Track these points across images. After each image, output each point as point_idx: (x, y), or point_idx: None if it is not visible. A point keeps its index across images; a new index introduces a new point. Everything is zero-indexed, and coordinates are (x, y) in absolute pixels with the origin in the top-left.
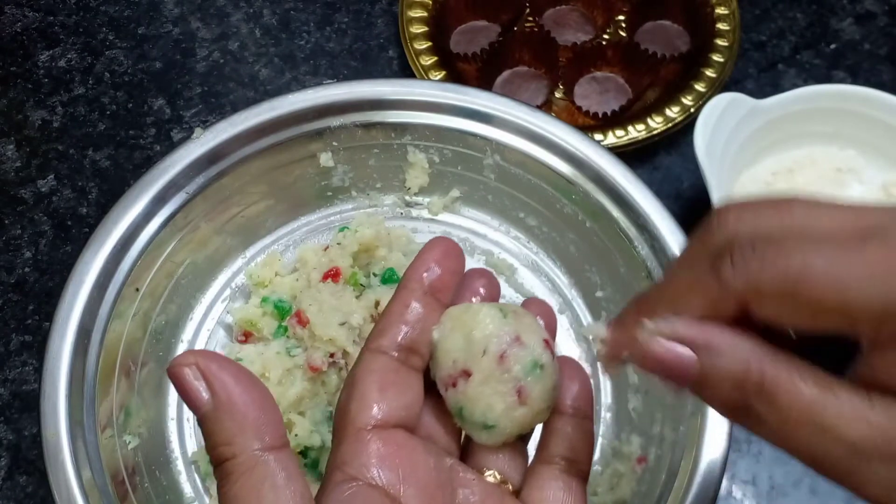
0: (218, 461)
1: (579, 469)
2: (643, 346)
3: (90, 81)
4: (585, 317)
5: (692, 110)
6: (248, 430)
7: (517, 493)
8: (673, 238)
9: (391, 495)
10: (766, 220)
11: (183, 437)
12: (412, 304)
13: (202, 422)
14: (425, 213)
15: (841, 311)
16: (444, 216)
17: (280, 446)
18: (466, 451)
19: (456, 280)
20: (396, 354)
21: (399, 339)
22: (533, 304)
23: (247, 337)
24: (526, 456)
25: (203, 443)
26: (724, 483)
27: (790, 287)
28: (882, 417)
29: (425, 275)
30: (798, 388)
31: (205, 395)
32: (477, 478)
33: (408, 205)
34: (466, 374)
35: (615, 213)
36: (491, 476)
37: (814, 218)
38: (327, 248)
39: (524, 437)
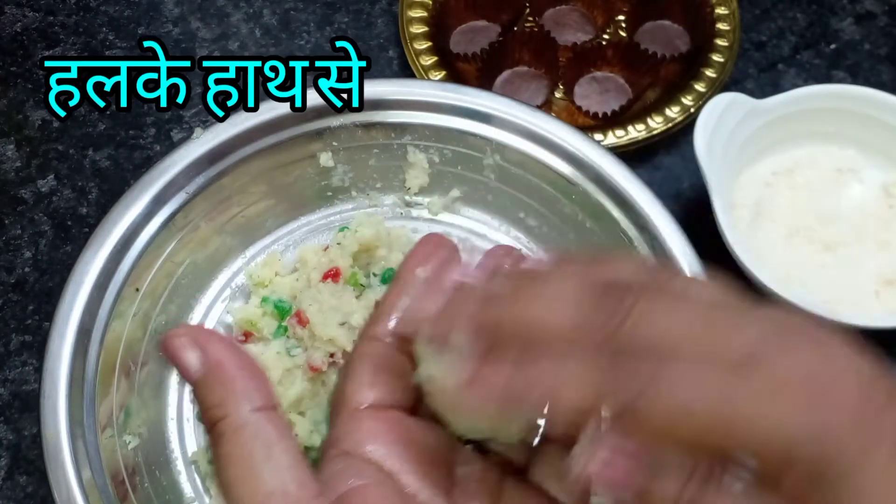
0: (211, 423)
1: None
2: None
3: None
4: None
5: (692, 110)
6: (238, 392)
7: (522, 470)
8: (673, 238)
9: (386, 471)
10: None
11: (183, 437)
12: (407, 295)
13: (195, 388)
14: (425, 213)
15: (732, 446)
16: (444, 216)
17: (270, 407)
18: None
19: (450, 269)
20: (390, 341)
21: (393, 326)
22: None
23: (247, 337)
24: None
25: (203, 443)
26: None
27: (673, 422)
28: None
29: (419, 269)
30: None
31: (197, 362)
32: (478, 455)
33: (408, 205)
34: None
35: (615, 213)
36: (495, 454)
37: (684, 326)
38: (327, 248)
39: None
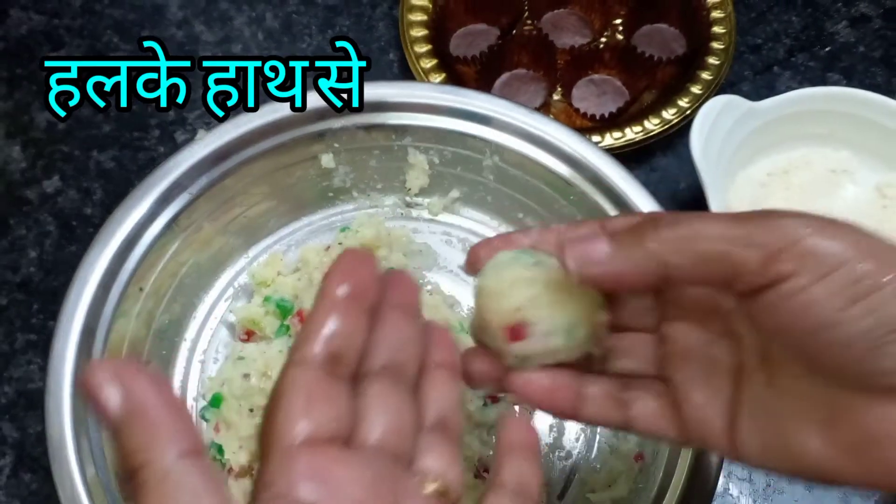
0: (132, 470)
1: (530, 500)
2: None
3: None
4: None
5: (688, 112)
6: (163, 435)
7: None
8: None
9: None
10: None
11: None
12: (333, 312)
13: (115, 431)
14: (425, 214)
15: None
16: (444, 217)
17: (195, 452)
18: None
19: (372, 283)
20: (322, 364)
21: (323, 348)
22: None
23: (249, 336)
24: (462, 468)
25: (205, 441)
26: (721, 480)
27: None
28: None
29: (339, 288)
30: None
31: (116, 402)
32: (422, 484)
33: (408, 205)
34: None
35: (612, 213)
36: (436, 483)
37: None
38: (329, 248)
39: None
